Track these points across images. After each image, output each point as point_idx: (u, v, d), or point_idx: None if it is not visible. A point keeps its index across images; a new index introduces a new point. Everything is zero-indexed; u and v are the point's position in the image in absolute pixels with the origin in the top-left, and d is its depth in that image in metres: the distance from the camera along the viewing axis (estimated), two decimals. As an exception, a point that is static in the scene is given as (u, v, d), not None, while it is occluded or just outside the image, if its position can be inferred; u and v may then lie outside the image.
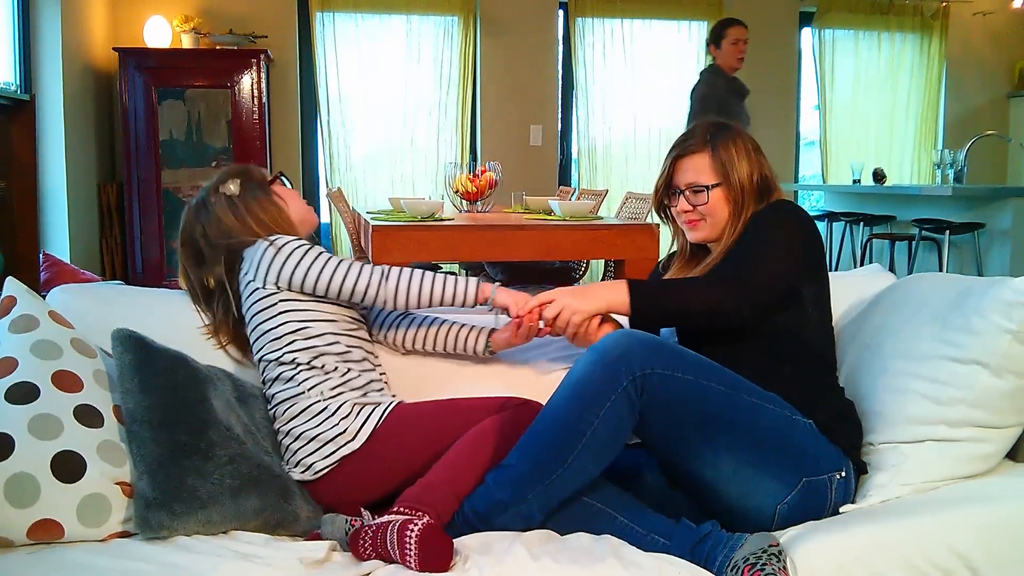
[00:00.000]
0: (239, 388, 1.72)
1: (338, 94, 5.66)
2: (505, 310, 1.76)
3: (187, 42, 5.18)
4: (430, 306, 1.74)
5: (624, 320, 1.72)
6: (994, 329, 1.52)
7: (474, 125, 5.91)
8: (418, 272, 1.73)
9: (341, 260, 1.72)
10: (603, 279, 4.50)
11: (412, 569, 1.33)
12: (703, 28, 6.06)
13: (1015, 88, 6.60)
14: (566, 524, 1.51)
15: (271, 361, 1.71)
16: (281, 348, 1.70)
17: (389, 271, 1.72)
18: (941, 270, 4.73)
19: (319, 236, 4.22)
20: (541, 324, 1.75)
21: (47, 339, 1.56)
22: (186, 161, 5.08)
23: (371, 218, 3.37)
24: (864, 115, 6.43)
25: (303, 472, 1.65)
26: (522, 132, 5.91)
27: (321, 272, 1.70)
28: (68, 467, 1.40)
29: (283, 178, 1.93)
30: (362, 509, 1.53)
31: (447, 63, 5.79)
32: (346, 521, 1.47)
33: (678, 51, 6.10)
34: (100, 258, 5.13)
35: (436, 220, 3.30)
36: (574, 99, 6.03)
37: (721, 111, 4.43)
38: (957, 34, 6.48)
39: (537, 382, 1.91)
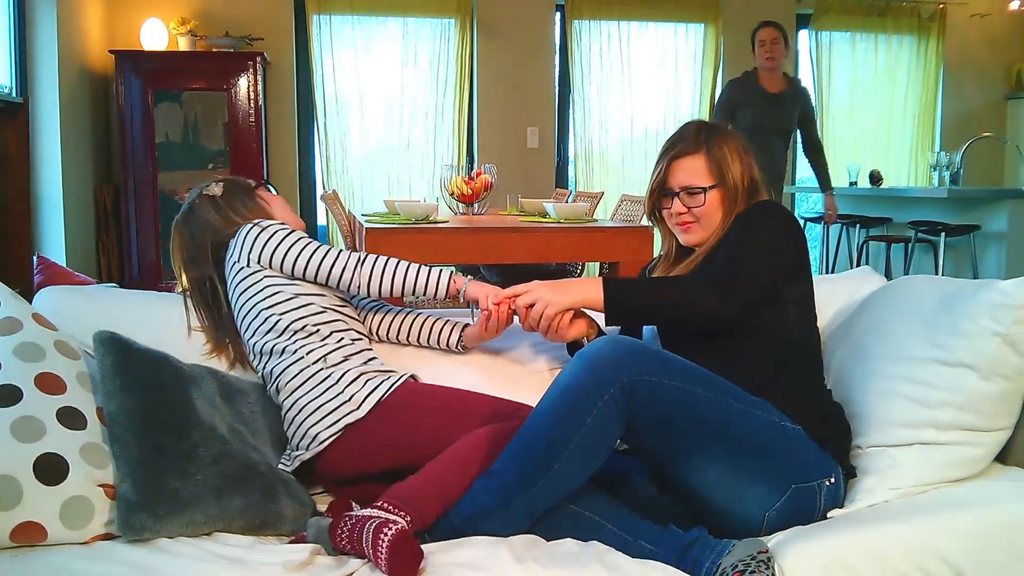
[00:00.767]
0: (224, 385, 1.72)
1: (335, 96, 5.65)
2: (476, 303, 1.78)
3: (183, 45, 5.17)
4: (403, 295, 1.77)
5: (598, 317, 1.70)
6: (983, 332, 1.51)
7: (471, 127, 5.90)
8: (393, 260, 1.76)
9: (321, 245, 1.77)
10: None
11: (381, 571, 1.34)
12: (700, 31, 6.07)
13: (1012, 90, 6.60)
14: (554, 529, 1.50)
15: (265, 333, 1.74)
16: (273, 320, 1.73)
17: (366, 258, 1.76)
18: (937, 272, 4.73)
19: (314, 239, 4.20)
20: (516, 320, 1.75)
21: (30, 341, 1.55)
22: (182, 164, 5.07)
23: (365, 220, 3.36)
24: (861, 117, 6.42)
25: (308, 445, 1.66)
26: (519, 135, 5.91)
27: (300, 252, 1.75)
28: (51, 469, 1.39)
29: (268, 185, 1.97)
30: (352, 503, 1.54)
31: (443, 65, 5.78)
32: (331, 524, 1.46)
33: (675, 54, 6.09)
34: (96, 261, 5.12)
35: (431, 222, 3.30)
36: (571, 102, 6.02)
37: (727, 118, 4.42)
38: (954, 36, 6.48)
39: (537, 382, 1.90)
